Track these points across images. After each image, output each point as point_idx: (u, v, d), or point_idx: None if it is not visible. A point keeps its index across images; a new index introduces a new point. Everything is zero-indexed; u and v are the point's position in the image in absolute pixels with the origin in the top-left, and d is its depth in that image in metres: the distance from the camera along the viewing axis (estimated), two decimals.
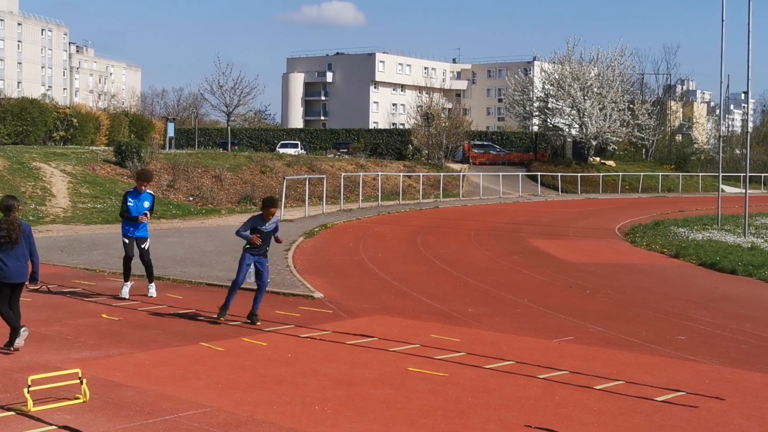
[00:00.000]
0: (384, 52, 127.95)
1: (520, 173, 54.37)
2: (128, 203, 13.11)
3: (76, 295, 13.56)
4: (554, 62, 66.79)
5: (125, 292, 13.21)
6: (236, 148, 58.66)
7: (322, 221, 28.13)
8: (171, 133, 52.97)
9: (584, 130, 63.05)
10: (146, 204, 13.18)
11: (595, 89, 63.41)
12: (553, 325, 11.70)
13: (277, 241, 11.92)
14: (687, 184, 62.83)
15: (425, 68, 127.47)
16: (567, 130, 64.46)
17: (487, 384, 8.40)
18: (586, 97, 62.76)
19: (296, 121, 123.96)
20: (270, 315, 11.92)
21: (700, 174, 64.73)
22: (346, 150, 62.16)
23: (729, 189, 59.18)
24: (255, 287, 11.70)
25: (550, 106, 65.42)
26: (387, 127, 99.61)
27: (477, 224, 29.54)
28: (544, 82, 67.27)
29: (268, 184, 38.02)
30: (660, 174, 61.83)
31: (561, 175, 55.19)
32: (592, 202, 47.32)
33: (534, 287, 15.42)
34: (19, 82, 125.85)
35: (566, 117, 64.39)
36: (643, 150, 73.54)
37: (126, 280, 13.32)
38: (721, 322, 12.17)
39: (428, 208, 38.01)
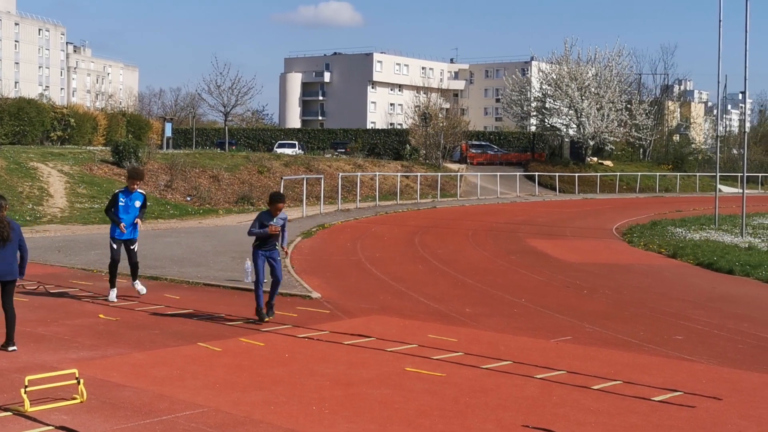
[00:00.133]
0: (381, 52, 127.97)
1: (518, 173, 54.41)
2: (119, 203, 12.81)
3: (74, 295, 13.54)
4: (552, 62, 66.86)
5: (113, 296, 13.00)
6: (234, 148, 58.64)
7: (320, 221, 28.13)
8: (168, 133, 52.97)
9: (582, 130, 63.09)
10: (137, 204, 12.91)
11: (593, 89, 63.47)
12: (550, 325, 11.70)
13: (282, 249, 11.87)
14: (684, 184, 62.88)
15: (423, 68, 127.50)
16: (564, 130, 64.51)
17: (485, 384, 8.40)
18: (583, 97, 62.81)
19: (294, 121, 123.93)
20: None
21: (698, 174, 64.79)
22: (343, 150, 62.16)
23: (726, 189, 59.25)
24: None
25: (547, 106, 65.48)
26: (384, 127, 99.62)
27: (474, 224, 29.54)
28: (541, 82, 67.32)
29: (266, 184, 38.01)
30: (657, 174, 61.89)
31: (558, 175, 55.23)
32: (589, 202, 47.34)
33: (531, 287, 15.42)
34: (16, 82, 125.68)
35: (564, 117, 64.46)
36: (641, 150, 73.59)
37: (113, 285, 13.08)
38: (718, 322, 12.18)
39: (426, 208, 38.02)
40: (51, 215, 27.14)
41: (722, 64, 28.63)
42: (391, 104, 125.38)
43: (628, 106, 66.46)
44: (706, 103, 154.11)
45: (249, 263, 15.10)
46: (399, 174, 45.62)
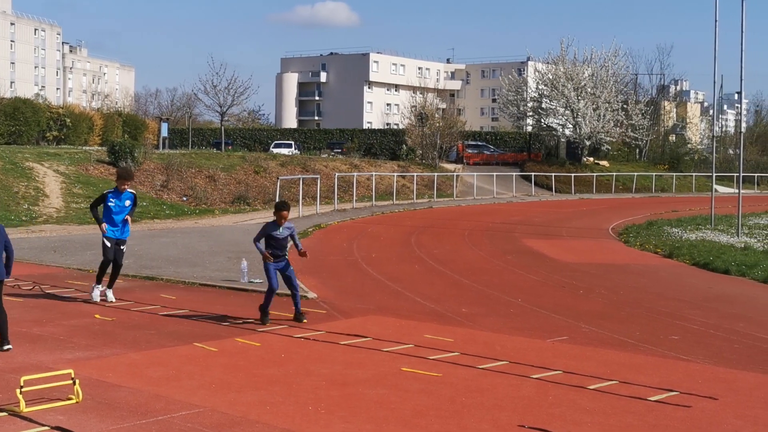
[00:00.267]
0: (378, 52, 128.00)
1: (514, 173, 54.44)
2: (109, 203, 12.64)
3: (69, 295, 13.52)
4: (548, 62, 66.93)
5: (96, 294, 12.81)
6: (230, 148, 58.62)
7: (316, 221, 28.12)
8: (164, 133, 52.91)
9: (578, 131, 63.16)
10: (127, 203, 12.77)
11: (589, 89, 63.53)
12: (546, 325, 11.70)
13: (302, 255, 11.60)
14: (680, 184, 62.96)
15: (419, 68, 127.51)
16: (561, 130, 64.58)
17: (481, 384, 8.40)
18: (579, 98, 62.87)
19: (290, 121, 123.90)
20: None
21: (694, 174, 64.89)
22: (340, 150, 62.16)
23: (722, 189, 59.34)
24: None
25: (543, 106, 65.55)
26: (381, 127, 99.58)
27: (471, 224, 29.55)
28: (537, 83, 67.38)
29: (262, 185, 38.00)
30: (653, 174, 61.98)
31: (555, 175, 55.28)
32: (585, 202, 47.38)
33: (527, 287, 15.43)
34: (12, 82, 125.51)
35: (560, 117, 64.53)
36: (637, 150, 73.69)
37: (98, 282, 12.94)
38: (714, 321, 12.19)
39: (422, 208, 38.03)
40: (47, 215, 27.10)
41: (718, 64, 28.69)
42: (388, 104, 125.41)
43: (625, 106, 66.55)
44: (702, 103, 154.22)
45: (245, 263, 15.10)
46: (395, 174, 45.63)
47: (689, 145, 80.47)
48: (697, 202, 45.13)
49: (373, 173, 42.52)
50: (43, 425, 6.84)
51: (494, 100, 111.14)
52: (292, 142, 65.41)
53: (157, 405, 7.48)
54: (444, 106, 75.88)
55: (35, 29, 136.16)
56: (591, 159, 66.10)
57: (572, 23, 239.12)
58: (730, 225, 27.99)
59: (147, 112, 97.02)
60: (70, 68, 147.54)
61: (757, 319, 12.53)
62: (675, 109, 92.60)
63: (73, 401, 7.44)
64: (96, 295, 12.86)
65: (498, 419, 7.24)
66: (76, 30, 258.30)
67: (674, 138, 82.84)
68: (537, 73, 68.27)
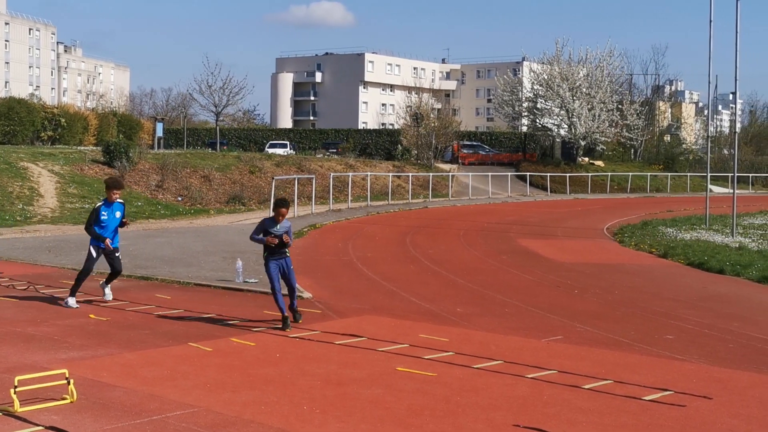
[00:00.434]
0: (373, 53, 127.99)
1: (509, 173, 54.48)
2: (102, 216, 12.45)
3: (64, 295, 13.48)
4: (543, 62, 66.95)
5: (72, 302, 12.42)
6: (225, 148, 58.55)
7: (311, 221, 28.11)
8: (159, 133, 52.88)
9: (573, 131, 63.21)
10: (118, 214, 12.58)
11: (584, 89, 63.57)
12: (541, 324, 11.71)
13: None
14: (675, 184, 63.04)
15: (414, 68, 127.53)
16: (556, 130, 64.62)
17: (476, 383, 8.40)
18: (574, 98, 62.91)
19: (285, 121, 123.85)
20: (259, 315, 11.89)
21: (689, 174, 64.97)
22: (335, 150, 62.15)
23: (717, 189, 59.44)
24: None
25: (539, 106, 65.58)
26: (376, 127, 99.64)
27: (466, 224, 29.57)
28: (533, 83, 67.44)
29: (257, 185, 37.98)
30: (648, 174, 62.06)
31: (550, 176, 55.33)
32: (580, 202, 47.43)
33: (523, 287, 15.43)
34: (6, 82, 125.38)
35: (555, 117, 64.58)
36: (632, 150, 73.77)
37: (73, 294, 12.49)
38: (709, 321, 12.21)
39: (417, 208, 38.03)
40: (41, 215, 27.05)
41: (713, 64, 28.72)
42: (383, 104, 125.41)
43: (619, 106, 66.62)
44: (696, 103, 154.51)
45: (240, 263, 15.09)
46: (390, 174, 45.62)
47: (684, 146, 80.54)
48: (692, 202, 45.19)
49: (369, 173, 42.51)
50: (38, 425, 6.82)
51: (489, 100, 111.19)
52: (288, 142, 65.37)
53: (151, 405, 7.46)
54: (439, 106, 76.01)
55: (30, 29, 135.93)
56: (586, 159, 66.17)
57: (567, 23, 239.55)
58: (725, 225, 28.04)
59: (142, 112, 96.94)
60: (65, 68, 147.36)
61: (751, 319, 12.55)
62: (670, 110, 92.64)
63: (68, 401, 7.43)
64: (72, 302, 12.43)
65: (493, 419, 7.24)
66: (70, 30, 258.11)
67: (669, 138, 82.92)
68: (532, 74, 68.32)
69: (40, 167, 31.85)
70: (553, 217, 34.22)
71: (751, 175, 68.19)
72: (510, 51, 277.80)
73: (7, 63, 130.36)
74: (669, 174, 63.85)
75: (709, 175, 32.92)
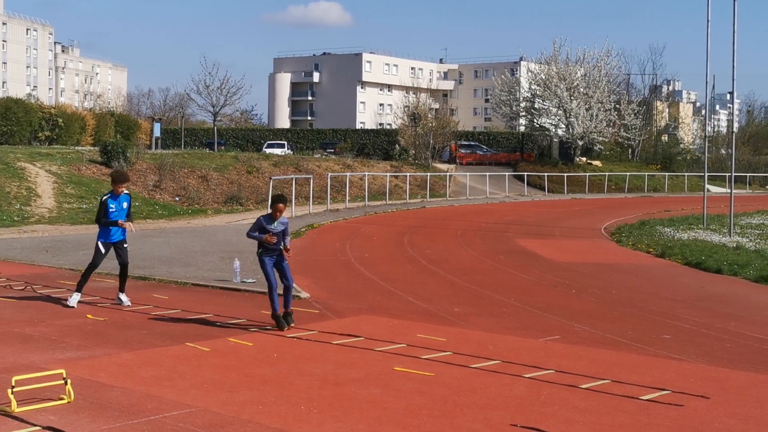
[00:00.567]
0: (371, 53, 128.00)
1: (507, 173, 54.50)
2: (110, 209, 12.48)
3: (61, 296, 13.48)
4: (541, 62, 67.01)
5: (74, 301, 12.42)
6: (223, 148, 58.54)
7: (309, 221, 28.10)
8: (157, 133, 52.84)
9: (571, 131, 63.24)
10: (125, 205, 12.66)
11: (582, 89, 63.62)
12: (539, 324, 11.71)
13: (285, 251, 11.13)
14: (673, 184, 63.10)
15: (412, 68, 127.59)
16: (553, 130, 64.66)
17: (473, 383, 8.40)
18: (572, 98, 62.96)
19: (283, 121, 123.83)
20: (256, 315, 11.88)
21: (686, 174, 65.04)
22: (332, 150, 62.14)
23: (714, 189, 59.47)
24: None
25: (536, 106, 65.62)
26: (374, 127, 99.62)
27: (463, 224, 29.57)
28: (530, 83, 67.47)
29: (255, 185, 37.96)
30: (646, 174, 62.11)
31: (547, 175, 55.36)
32: (578, 202, 47.44)
33: (520, 287, 15.44)
34: (3, 82, 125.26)
35: (553, 117, 64.61)
36: (630, 150, 73.84)
37: (79, 290, 12.55)
38: (706, 321, 12.22)
39: (415, 208, 38.04)
40: (39, 215, 27.03)
41: (710, 64, 28.75)
42: (381, 104, 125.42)
43: (617, 106, 66.67)
44: (694, 103, 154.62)
45: (237, 263, 15.09)
46: (388, 174, 45.62)
47: (681, 145, 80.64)
48: (690, 201, 45.23)
49: (366, 173, 42.51)
50: (35, 425, 6.81)
51: (487, 100, 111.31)
52: (285, 142, 65.35)
53: (149, 405, 7.46)
54: (437, 106, 76.07)
55: (27, 29, 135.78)
56: (583, 159, 66.22)
57: (565, 23, 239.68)
58: (722, 225, 28.05)
59: (139, 112, 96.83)
60: (62, 68, 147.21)
61: (748, 318, 12.57)
62: (667, 109, 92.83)
63: (65, 401, 7.42)
64: (74, 301, 12.44)
65: (490, 418, 7.24)
66: (68, 30, 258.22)
67: (666, 138, 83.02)
68: (530, 73, 68.36)
69: (37, 167, 31.83)
70: (551, 217, 34.23)
71: (748, 174, 68.28)
72: (507, 51, 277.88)
73: (5, 63, 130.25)
74: (666, 174, 63.92)
75: (706, 174, 32.97)
